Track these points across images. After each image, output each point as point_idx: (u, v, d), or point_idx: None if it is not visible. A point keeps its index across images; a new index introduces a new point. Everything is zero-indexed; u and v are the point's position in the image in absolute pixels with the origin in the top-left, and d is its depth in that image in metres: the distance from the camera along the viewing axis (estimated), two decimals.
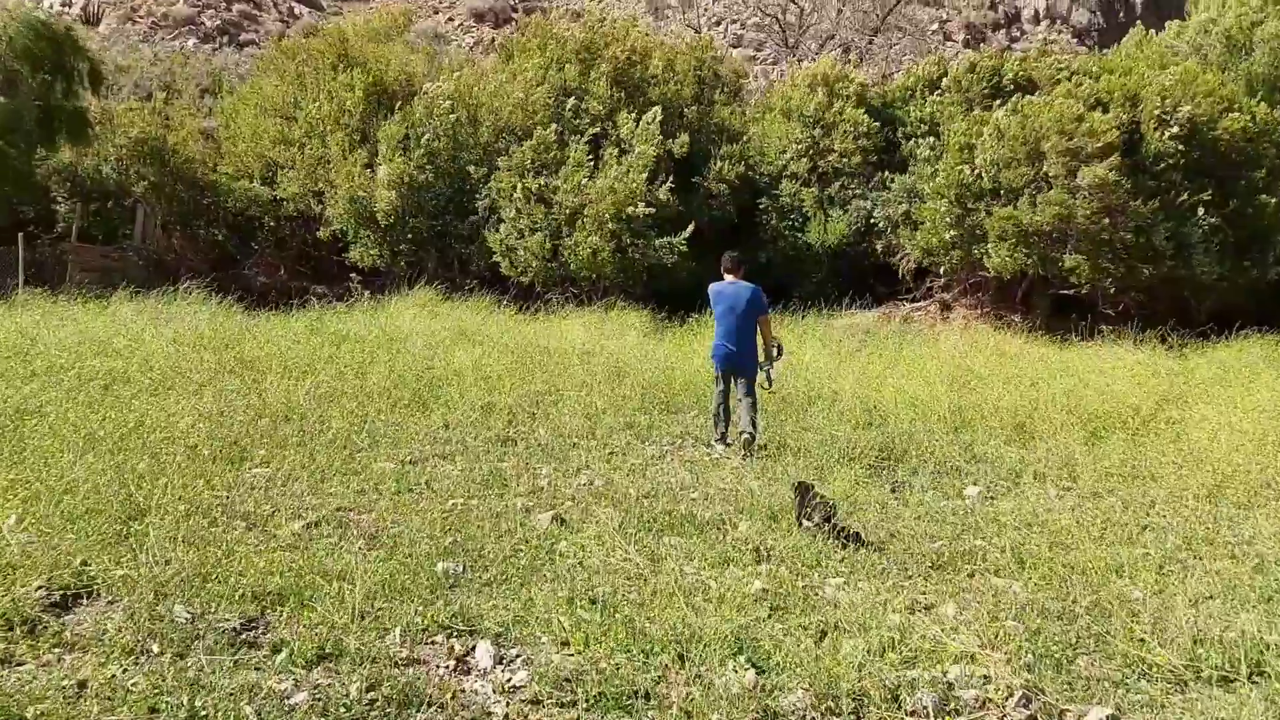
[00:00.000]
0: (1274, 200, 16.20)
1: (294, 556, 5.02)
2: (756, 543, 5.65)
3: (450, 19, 63.60)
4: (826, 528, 5.75)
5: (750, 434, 8.45)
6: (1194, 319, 16.91)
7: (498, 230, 18.52)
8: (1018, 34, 58.80)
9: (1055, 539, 5.92)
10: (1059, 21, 59.32)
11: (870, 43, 32.45)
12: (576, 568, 5.11)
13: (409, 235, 19.13)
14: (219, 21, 61.42)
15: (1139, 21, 23.83)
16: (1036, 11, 60.29)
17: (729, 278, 9.10)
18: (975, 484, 7.54)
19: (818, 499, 6.03)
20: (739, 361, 8.84)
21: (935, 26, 46.84)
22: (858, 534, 5.84)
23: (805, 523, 5.90)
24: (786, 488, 6.73)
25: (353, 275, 19.44)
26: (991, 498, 7.23)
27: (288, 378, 9.52)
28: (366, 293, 18.15)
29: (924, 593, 5.04)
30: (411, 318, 14.14)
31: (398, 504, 6.16)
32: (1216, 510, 6.81)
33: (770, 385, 9.18)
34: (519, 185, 18.28)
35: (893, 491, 7.27)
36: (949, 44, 53.70)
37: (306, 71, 21.25)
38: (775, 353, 9.21)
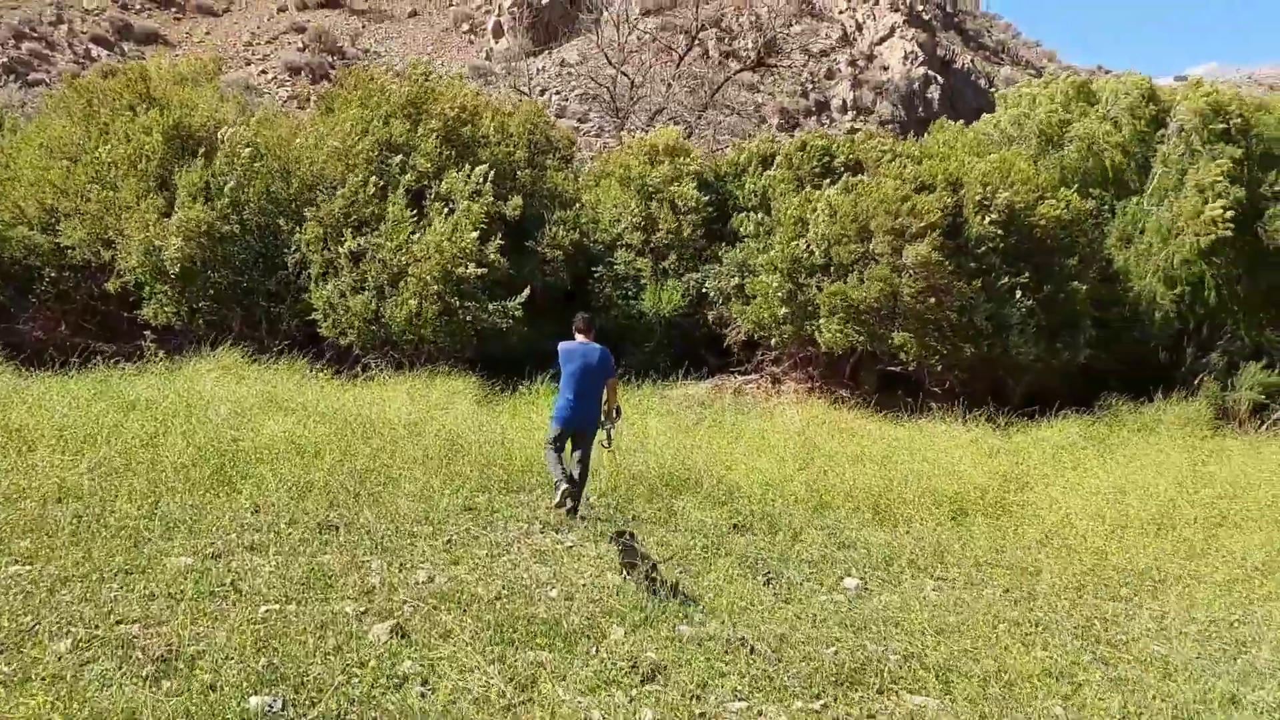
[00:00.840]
0: (1085, 287, 16.96)
1: (54, 695, 3.88)
2: (636, 655, 4.88)
3: (263, 71, 61.26)
4: (652, 580, 5.25)
5: (576, 483, 8.36)
6: (1010, 398, 17.44)
7: (323, 286, 17.20)
8: (827, 121, 61.71)
9: (954, 643, 5.43)
10: (864, 112, 62.69)
11: (699, 118, 32.95)
12: (428, 697, 4.20)
13: (210, 290, 17.53)
14: (5, 59, 56.85)
15: (943, 116, 25.20)
16: (844, 101, 63.52)
17: (580, 338, 9.06)
18: (850, 574, 7.05)
19: (639, 551, 5.62)
20: (582, 422, 8.75)
21: (752, 108, 48.40)
22: (694, 598, 5.26)
23: (628, 575, 5.39)
24: (650, 580, 6.04)
25: (146, 333, 17.60)
26: (869, 589, 6.74)
27: (63, 450, 8.11)
28: (161, 353, 16.40)
29: (838, 718, 4.40)
30: (214, 381, 12.69)
31: (197, 613, 5.04)
32: (1099, 604, 6.55)
33: (610, 444, 9.10)
34: (345, 242, 17.12)
35: (767, 584, 6.67)
36: (763, 125, 55.74)
37: (101, 111, 19.40)
38: (616, 414, 9.20)
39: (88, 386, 12.00)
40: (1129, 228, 19.15)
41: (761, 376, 18.52)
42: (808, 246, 16.65)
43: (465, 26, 66.68)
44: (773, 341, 17.68)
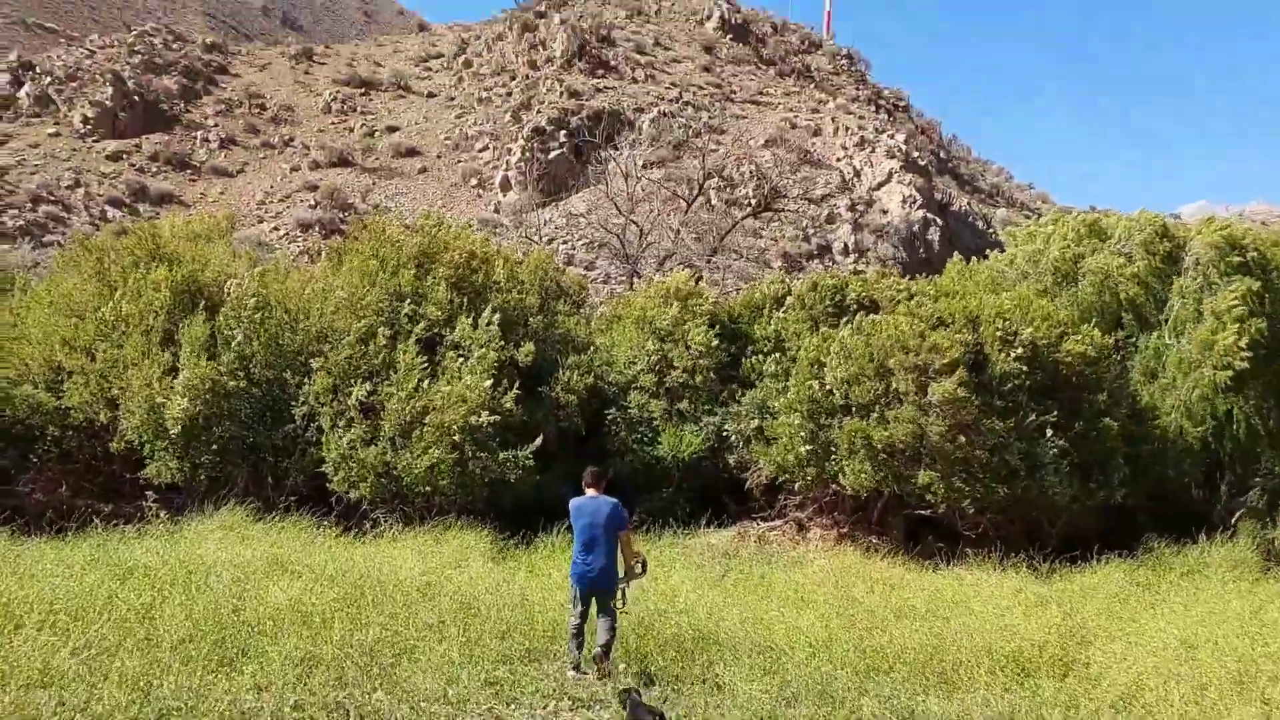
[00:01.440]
0: (1116, 424, 16.45)
1: None
2: None
3: (275, 228, 62.50)
4: None
5: (603, 651, 8.22)
6: (1046, 540, 16.72)
7: (337, 438, 16.72)
8: (830, 264, 62.46)
9: None
10: (865, 254, 63.52)
11: (708, 262, 33.24)
12: None
13: (214, 446, 17.07)
14: (21, 222, 58.15)
15: (945, 256, 25.25)
16: (845, 244, 64.46)
17: (590, 492, 9.05)
18: None
19: (647, 710, 5.09)
20: (599, 580, 8.61)
21: (756, 253, 49.01)
22: None
23: None
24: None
25: (147, 493, 17.07)
26: None
27: (50, 627, 7.49)
28: (164, 513, 15.83)
29: None
30: (216, 543, 12.08)
31: None
32: None
33: (624, 604, 8.87)
34: (354, 392, 16.78)
35: None
36: (767, 269, 56.33)
37: (112, 269, 19.38)
38: (639, 569, 9.00)
39: (85, 552, 11.42)
40: (1151, 362, 18.80)
41: (786, 522, 17.84)
42: (825, 388, 16.24)
43: (474, 181, 68.37)
44: (796, 485, 17.08)
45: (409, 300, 18.22)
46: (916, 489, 15.85)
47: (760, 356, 18.43)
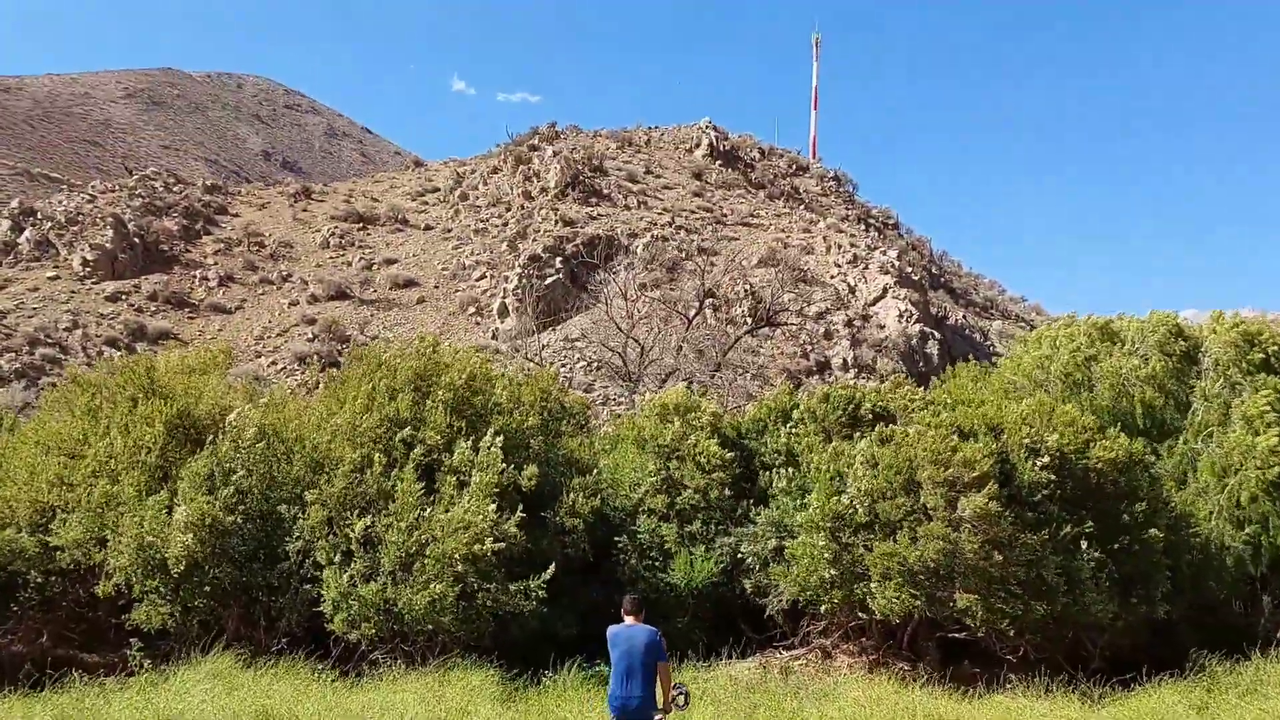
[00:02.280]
0: (1161, 535, 15.63)
1: None
2: None
3: (273, 363, 62.31)
4: None
5: None
6: (1087, 661, 15.71)
7: (337, 574, 15.79)
8: (830, 379, 62.12)
9: None
10: (864, 369, 63.26)
11: (711, 378, 32.79)
12: None
13: (207, 588, 16.17)
14: (18, 365, 57.91)
15: (951, 367, 24.84)
16: (844, 359, 64.28)
17: (628, 620, 8.92)
18: None
19: None
20: (638, 712, 8.49)
21: (757, 370, 48.66)
22: None
23: None
24: None
25: (132, 640, 16.06)
26: None
27: None
28: (148, 662, 14.84)
29: None
30: (201, 696, 11.13)
31: None
32: None
33: None
34: (353, 524, 15.98)
35: None
36: (768, 387, 55.93)
37: (104, 405, 18.80)
38: (682, 700, 8.78)
39: (58, 709, 10.46)
40: (1182, 467, 18.08)
41: (810, 650, 16.81)
42: (850, 503, 15.47)
43: (471, 309, 68.64)
44: (822, 609, 16.11)
45: (407, 426, 17.57)
46: (953, 611, 14.92)
47: (775, 471, 17.67)
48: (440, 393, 18.13)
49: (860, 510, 15.54)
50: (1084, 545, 15.15)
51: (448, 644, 15.42)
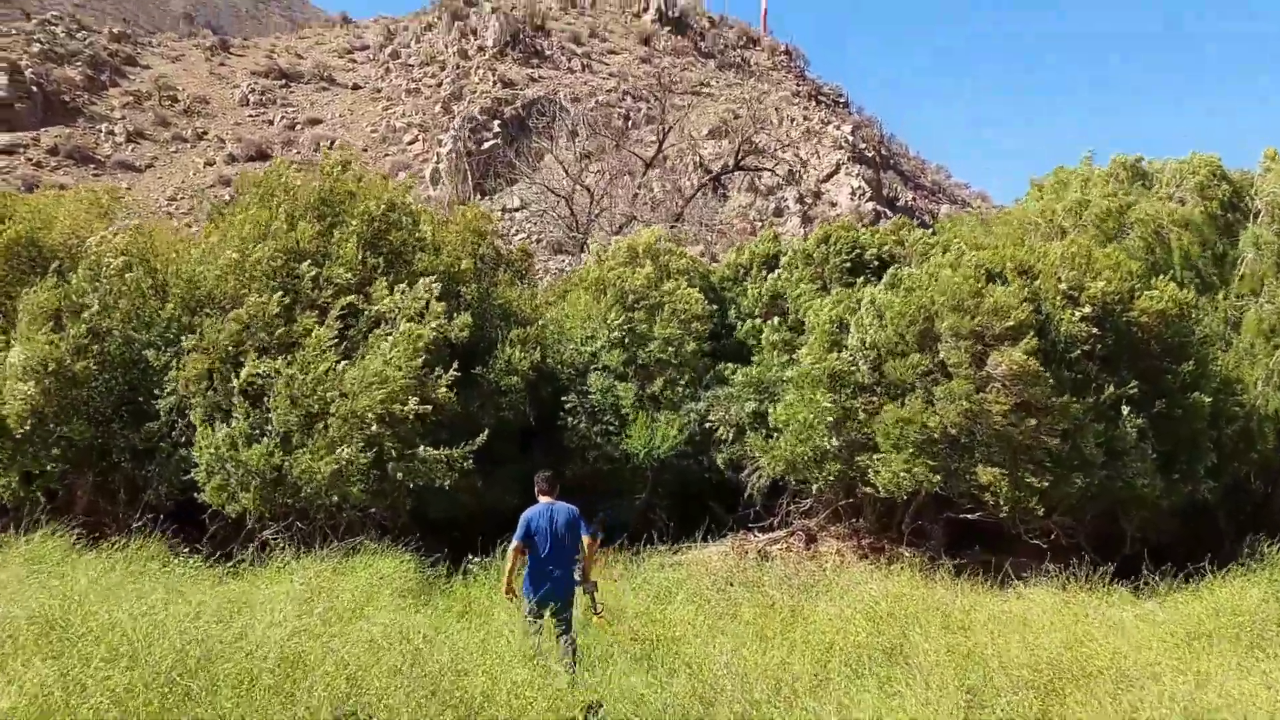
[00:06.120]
0: (1208, 399, 13.11)
1: None
2: None
3: (188, 225, 57.56)
4: None
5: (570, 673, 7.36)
6: (1116, 547, 13.34)
7: (210, 433, 12.69)
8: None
9: None
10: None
11: (672, 228, 29.55)
12: None
13: (55, 450, 12.96)
14: None
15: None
16: (794, 237, 61.50)
17: (544, 499, 8.57)
18: None
19: None
20: (559, 591, 8.20)
21: (715, 230, 45.58)
22: None
23: None
24: None
25: None
26: None
27: None
28: None
29: None
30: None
31: None
32: None
33: (599, 609, 8.47)
34: (242, 371, 12.85)
35: None
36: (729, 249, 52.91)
37: None
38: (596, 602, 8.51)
39: None
40: (1221, 326, 15.60)
41: (791, 533, 14.22)
42: (852, 359, 12.67)
43: (402, 175, 64.13)
44: (814, 487, 13.45)
45: (309, 261, 14.28)
46: (970, 488, 12.33)
47: (763, 322, 14.76)
48: (353, 223, 14.80)
49: (863, 368, 12.76)
50: (1126, 411, 12.60)
51: (355, 523, 12.52)
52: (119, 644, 5.42)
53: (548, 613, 7.96)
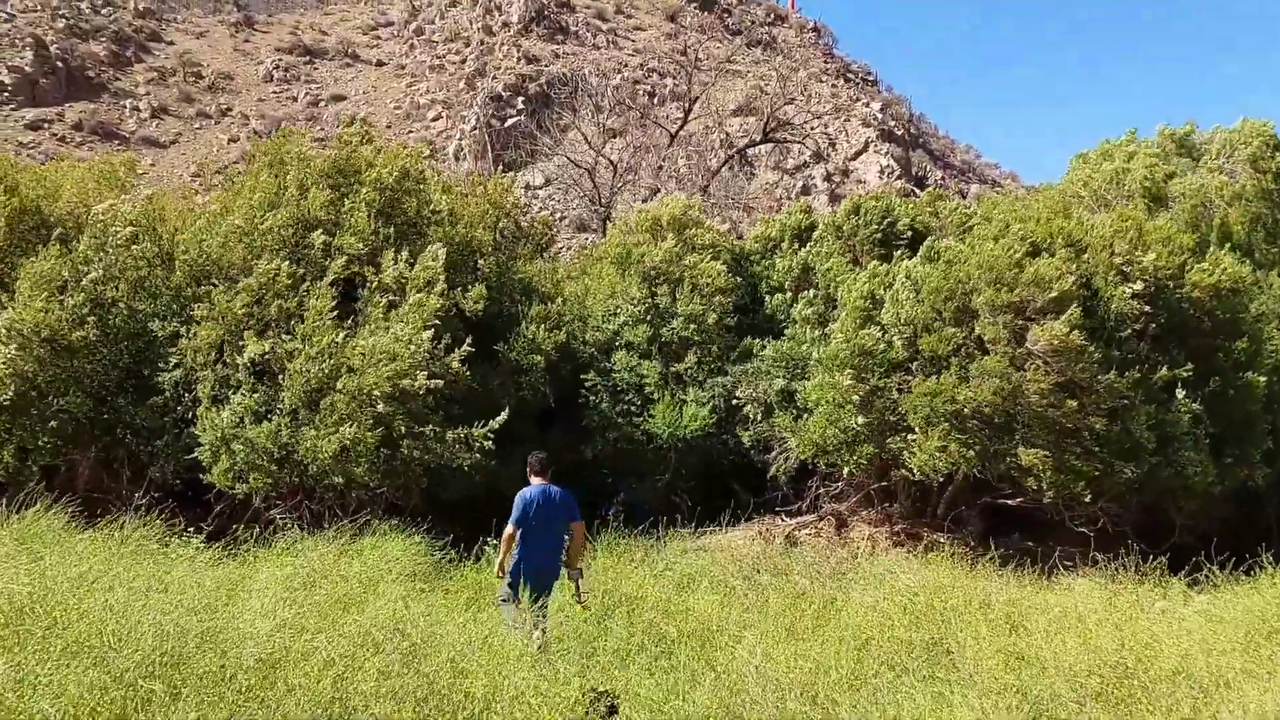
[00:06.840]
0: (1264, 380, 12.37)
1: None
2: None
3: (208, 202, 57.47)
4: None
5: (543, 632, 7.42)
6: (1162, 536, 12.65)
7: (216, 411, 12.24)
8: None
9: None
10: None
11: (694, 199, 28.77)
12: None
13: (53, 424, 12.53)
14: None
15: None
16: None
17: (537, 481, 8.52)
18: None
19: None
20: (549, 578, 8.20)
21: (743, 203, 44.82)
22: None
23: None
24: None
25: None
26: None
27: None
28: None
29: None
30: None
31: None
32: None
33: (582, 599, 8.28)
34: (246, 348, 12.37)
35: None
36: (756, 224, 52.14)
37: None
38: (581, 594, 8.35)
39: None
40: (1276, 304, 14.79)
41: (820, 517, 13.62)
42: (885, 335, 12.02)
43: (426, 152, 63.60)
44: (845, 470, 12.83)
45: (321, 230, 13.76)
46: (1010, 471, 11.68)
47: (793, 295, 14.11)
48: (365, 191, 14.27)
49: (898, 344, 12.11)
50: (1179, 393, 11.89)
51: (364, 502, 12.02)
52: (86, 637, 4.92)
53: (525, 595, 7.82)
